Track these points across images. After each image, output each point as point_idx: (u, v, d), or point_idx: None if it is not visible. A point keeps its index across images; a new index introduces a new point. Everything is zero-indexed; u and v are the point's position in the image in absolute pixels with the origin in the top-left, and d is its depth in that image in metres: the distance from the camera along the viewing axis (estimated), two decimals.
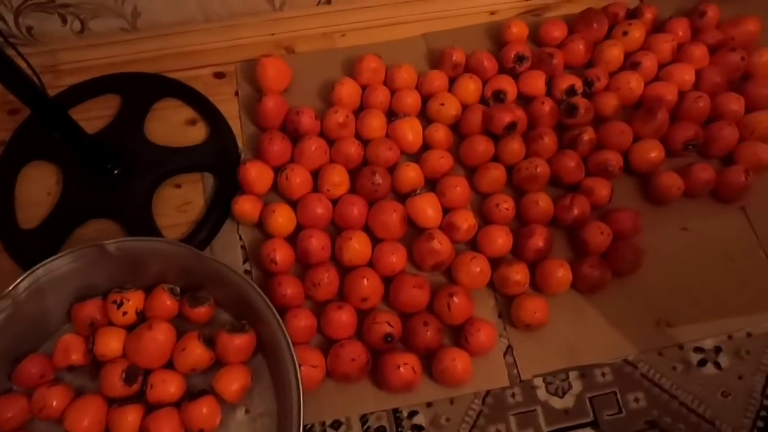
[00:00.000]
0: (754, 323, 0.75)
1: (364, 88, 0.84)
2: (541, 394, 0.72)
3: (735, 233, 0.79)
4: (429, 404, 0.71)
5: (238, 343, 0.67)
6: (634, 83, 0.83)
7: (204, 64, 0.89)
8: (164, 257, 0.71)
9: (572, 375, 0.72)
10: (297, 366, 0.62)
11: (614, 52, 0.85)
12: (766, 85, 0.83)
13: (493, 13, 0.94)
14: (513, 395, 0.72)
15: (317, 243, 0.73)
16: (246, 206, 0.76)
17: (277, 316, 0.65)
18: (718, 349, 0.74)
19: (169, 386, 0.66)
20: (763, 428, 0.70)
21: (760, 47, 0.85)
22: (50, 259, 0.67)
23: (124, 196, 0.79)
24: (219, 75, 0.89)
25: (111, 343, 0.67)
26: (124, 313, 0.69)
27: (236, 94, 0.87)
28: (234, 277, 0.68)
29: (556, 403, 0.71)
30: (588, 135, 0.79)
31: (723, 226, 0.80)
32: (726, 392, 0.72)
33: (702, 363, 0.73)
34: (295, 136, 0.81)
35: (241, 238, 0.78)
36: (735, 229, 0.79)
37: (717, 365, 0.73)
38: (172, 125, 0.85)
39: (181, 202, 0.81)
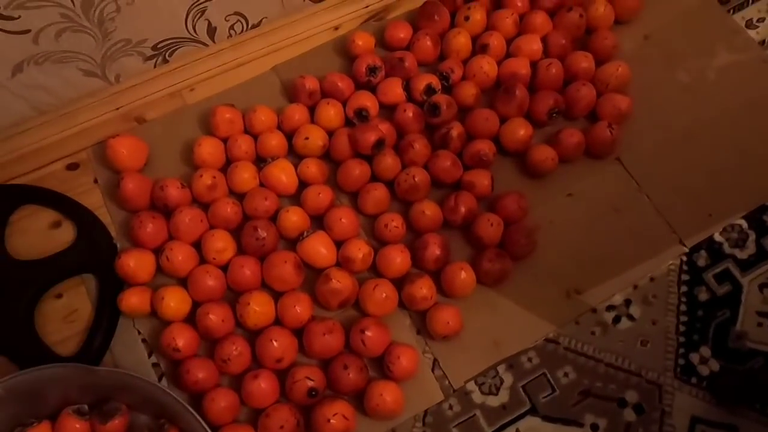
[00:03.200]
0: (654, 266, 0.77)
1: (225, 141, 0.81)
2: (477, 397, 0.72)
3: (616, 185, 0.81)
4: None
5: None
6: (487, 66, 0.83)
7: (53, 159, 0.83)
8: (58, 381, 0.67)
9: (501, 369, 0.73)
10: None
11: (461, 40, 0.85)
12: (607, 36, 0.85)
13: (336, 28, 0.92)
14: (450, 407, 0.72)
15: (216, 318, 0.70)
16: (133, 300, 0.72)
17: (191, 409, 0.63)
18: (628, 302, 0.76)
19: None
20: (684, 365, 0.73)
21: (594, 1, 0.87)
22: None
23: (1, 326, 0.73)
24: (72, 166, 0.83)
25: None
26: None
27: (96, 181, 0.82)
28: (135, 382, 0.65)
29: (493, 401, 0.72)
30: (456, 130, 0.79)
31: (604, 181, 0.82)
32: (644, 341, 0.74)
33: (616, 320, 0.75)
34: (166, 211, 0.77)
35: (140, 332, 0.74)
36: (615, 181, 0.82)
37: (630, 317, 0.75)
38: (35, 234, 0.79)
39: (66, 312, 0.76)
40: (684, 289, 0.76)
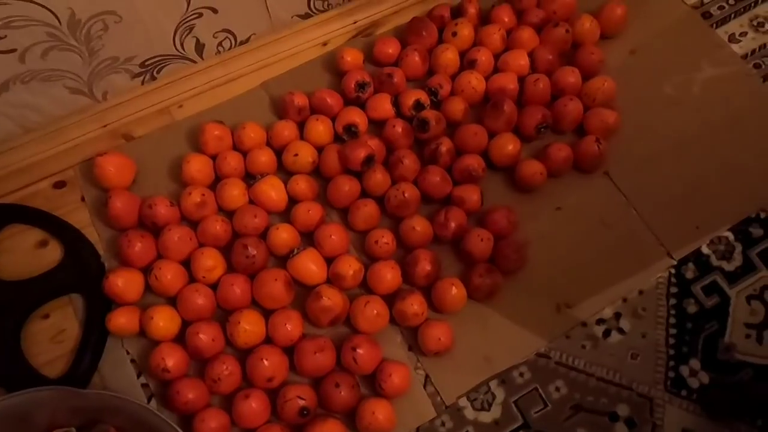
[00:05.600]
0: (643, 279, 0.78)
1: (214, 158, 0.81)
2: (469, 413, 0.72)
3: (605, 199, 0.82)
4: None
5: None
6: (475, 82, 0.84)
7: (39, 178, 0.82)
8: (46, 404, 0.65)
9: (493, 385, 0.73)
10: None
11: (449, 56, 0.86)
12: (593, 51, 0.86)
13: (325, 44, 0.92)
14: (443, 424, 0.71)
15: (206, 337, 0.70)
16: (121, 320, 0.71)
17: (180, 431, 0.62)
18: (618, 315, 0.76)
19: None
20: (674, 378, 0.73)
21: (579, 16, 0.88)
22: None
23: None
24: (59, 184, 0.82)
25: None
26: None
27: (83, 200, 0.81)
28: (124, 404, 0.64)
29: (485, 417, 0.72)
30: (445, 145, 0.80)
31: (592, 195, 0.82)
32: (635, 354, 0.74)
33: (607, 333, 0.76)
34: (154, 229, 0.76)
35: (128, 353, 0.74)
36: (604, 195, 0.82)
37: (620, 331, 0.76)
38: (21, 254, 0.78)
39: (54, 332, 0.75)
40: (673, 301, 0.77)
